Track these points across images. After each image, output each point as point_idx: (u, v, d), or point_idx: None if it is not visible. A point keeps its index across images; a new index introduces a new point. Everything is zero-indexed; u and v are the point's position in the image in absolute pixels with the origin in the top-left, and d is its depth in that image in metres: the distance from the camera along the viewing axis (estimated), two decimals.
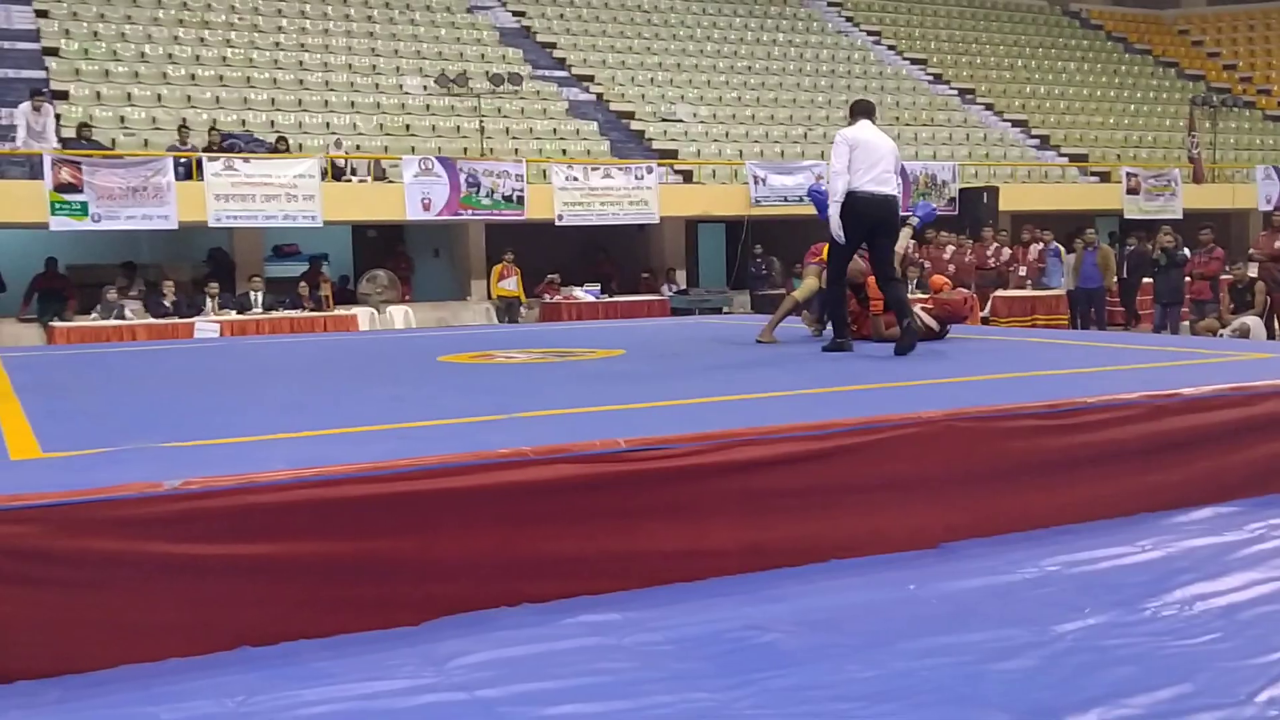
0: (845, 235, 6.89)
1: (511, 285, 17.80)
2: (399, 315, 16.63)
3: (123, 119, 17.82)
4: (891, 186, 6.94)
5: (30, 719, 2.83)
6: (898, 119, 24.32)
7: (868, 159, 6.85)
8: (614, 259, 20.91)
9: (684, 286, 20.03)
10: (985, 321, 16.44)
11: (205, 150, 16.42)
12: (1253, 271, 13.84)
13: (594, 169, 18.27)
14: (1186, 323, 14.09)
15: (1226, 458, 4.74)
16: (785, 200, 19.50)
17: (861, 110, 7.22)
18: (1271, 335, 13.13)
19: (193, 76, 19.47)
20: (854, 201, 6.82)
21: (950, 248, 18.09)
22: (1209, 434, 4.70)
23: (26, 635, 3.03)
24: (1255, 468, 4.78)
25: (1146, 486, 4.52)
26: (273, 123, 18.59)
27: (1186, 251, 14.63)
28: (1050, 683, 2.86)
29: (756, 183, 19.55)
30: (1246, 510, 4.51)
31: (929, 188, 20.59)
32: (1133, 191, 21.96)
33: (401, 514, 3.42)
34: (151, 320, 14.88)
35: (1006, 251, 18.05)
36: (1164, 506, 4.51)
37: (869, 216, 6.86)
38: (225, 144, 16.74)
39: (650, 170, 18.54)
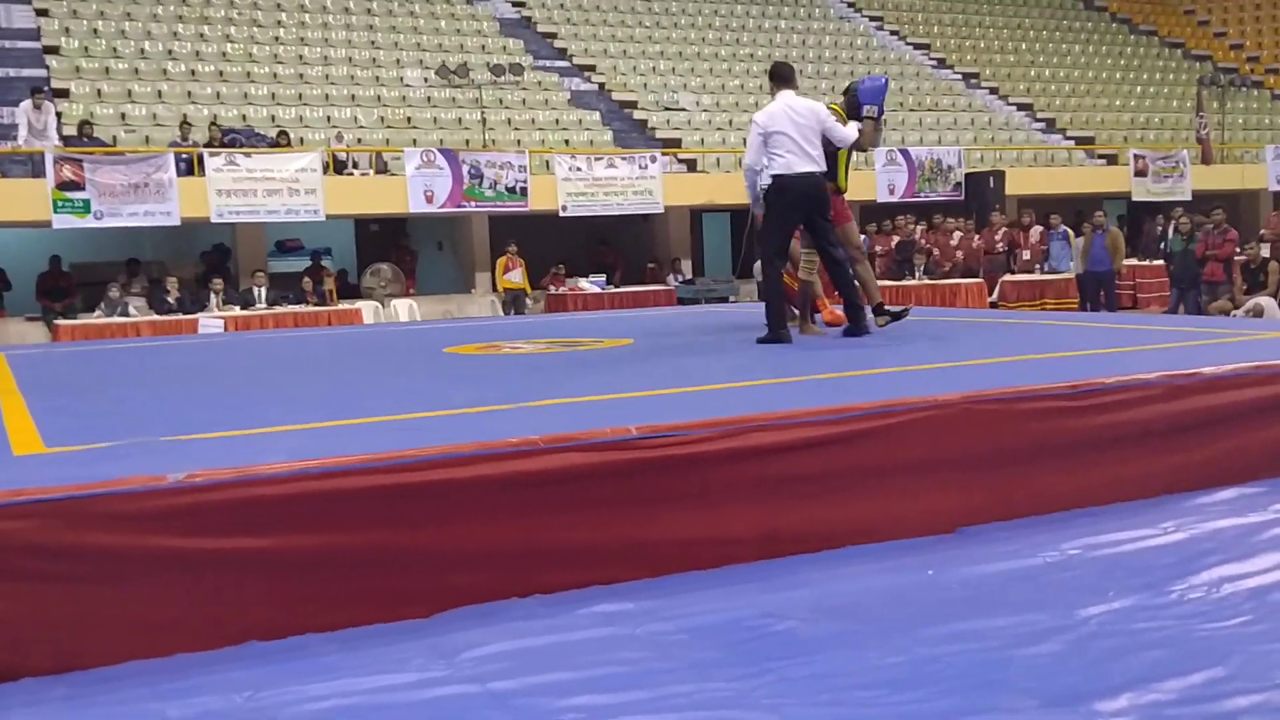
0: (780, 220, 6.72)
1: (516, 277, 17.71)
2: (403, 308, 16.57)
3: (124, 116, 17.76)
4: (814, 161, 6.62)
5: (37, 716, 2.78)
6: (902, 104, 24.18)
7: (785, 139, 6.59)
8: (619, 249, 20.82)
9: (690, 276, 19.94)
10: (994, 306, 16.36)
11: (207, 146, 16.36)
12: (1265, 252, 13.74)
13: (597, 159, 18.17)
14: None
15: (1248, 437, 4.65)
16: None
17: (781, 79, 6.84)
18: None
19: (193, 72, 19.40)
20: (783, 185, 6.62)
21: (957, 233, 17.98)
22: (1230, 413, 4.61)
23: (32, 631, 2.98)
24: (1277, 447, 4.70)
25: (1168, 467, 4.44)
26: (273, 117, 18.52)
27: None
28: (1079, 667, 2.79)
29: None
30: (1270, 490, 4.42)
31: (934, 173, 20.46)
32: (1140, 174, 21.81)
33: (410, 505, 3.35)
34: (155, 317, 14.85)
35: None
36: (1186, 488, 4.43)
37: (802, 197, 6.65)
38: (226, 139, 16.68)
39: (654, 160, 18.44)
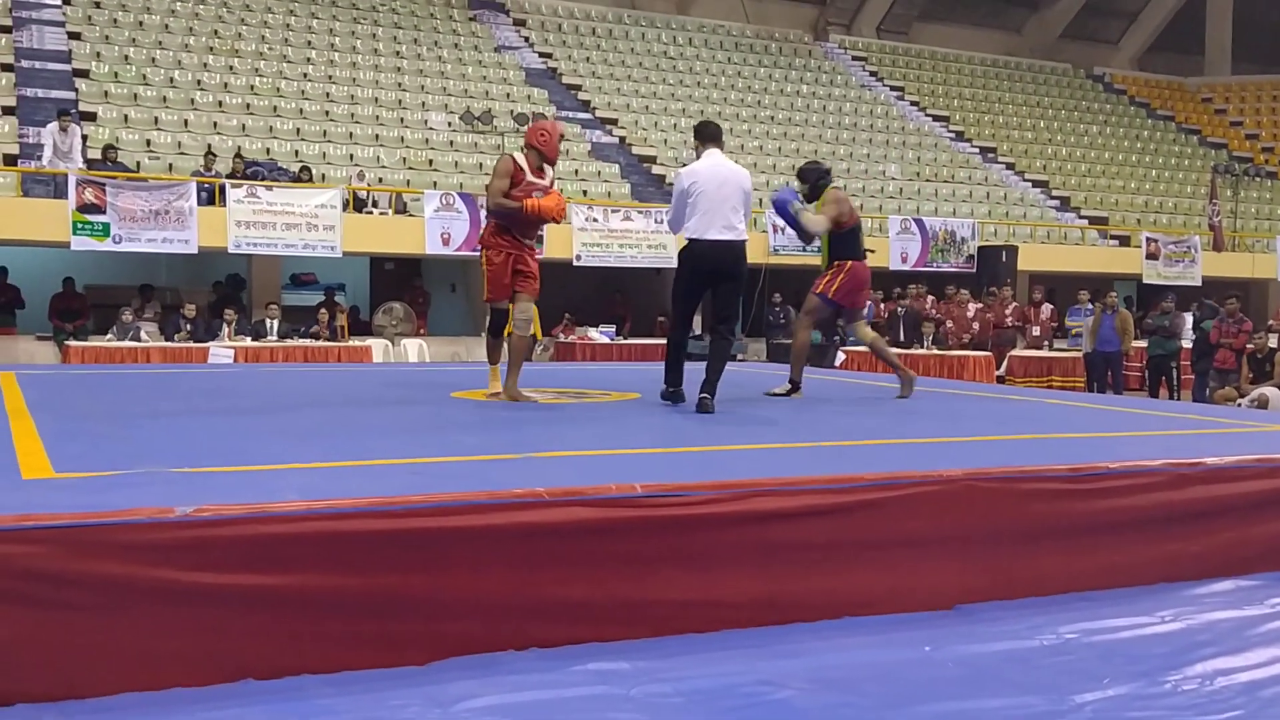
0: (687, 282, 6.52)
1: None
2: (413, 348, 16.64)
3: (149, 142, 17.97)
4: (738, 230, 6.39)
5: None
6: (918, 174, 24.39)
7: (709, 204, 6.33)
8: (630, 300, 20.93)
9: (699, 332, 20.00)
10: (1001, 380, 16.39)
11: (229, 177, 16.52)
12: (1273, 342, 13.78)
13: (614, 211, 18.32)
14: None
15: (1248, 530, 4.67)
16: (804, 250, 19.49)
17: (705, 136, 6.68)
18: None
19: (220, 104, 19.64)
20: (696, 250, 6.38)
21: (973, 305, 17.99)
22: (1231, 505, 4.63)
23: (30, 657, 2.99)
24: (1276, 541, 4.71)
25: (1167, 555, 4.45)
26: (297, 152, 18.72)
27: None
28: None
29: (775, 231, 19.59)
30: (1267, 584, 4.44)
31: (948, 244, 20.59)
32: (1152, 257, 21.95)
33: (413, 551, 3.37)
34: (166, 343, 14.91)
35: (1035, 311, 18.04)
36: (1184, 577, 4.44)
37: (712, 264, 6.39)
38: (249, 171, 16.85)
39: None
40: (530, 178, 6.73)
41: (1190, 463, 4.62)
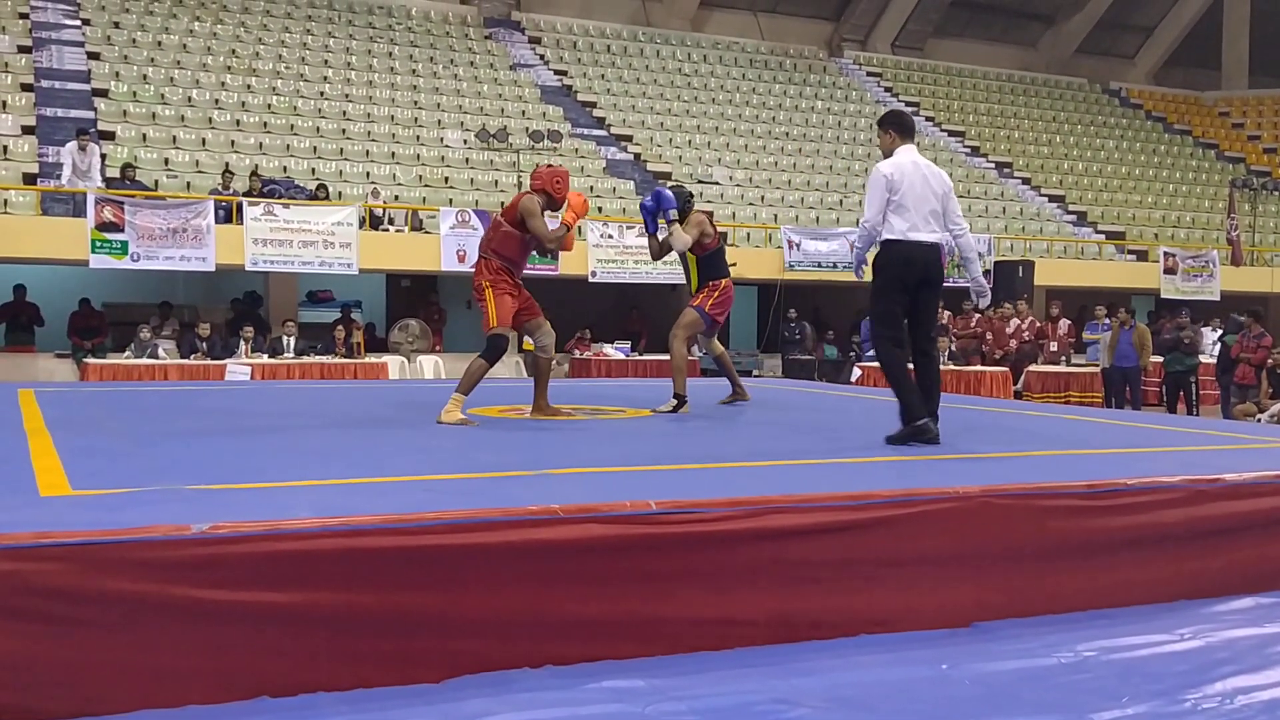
0: (891, 290, 5.73)
1: None
2: (429, 365, 16.68)
3: (167, 161, 18.09)
4: (938, 233, 5.76)
5: None
6: None
7: (911, 199, 5.65)
8: (645, 316, 20.95)
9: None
10: (1018, 396, 16.33)
11: (246, 195, 16.61)
12: None
13: (629, 227, 18.35)
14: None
15: (1268, 546, 4.63)
16: (819, 265, 19.55)
17: (904, 128, 5.90)
18: None
19: (238, 122, 19.77)
20: (898, 251, 5.67)
21: (1015, 320, 17.88)
22: (1251, 521, 4.59)
23: (49, 675, 3.00)
24: None
25: (1186, 573, 4.42)
26: (314, 170, 18.82)
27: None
28: None
29: (791, 247, 19.61)
30: None
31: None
32: (1170, 271, 21.87)
33: (427, 568, 3.37)
34: (184, 360, 14.98)
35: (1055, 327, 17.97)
36: (1203, 594, 4.40)
37: (916, 268, 5.68)
38: (266, 189, 16.94)
39: None
40: None
41: (1209, 479, 4.59)
